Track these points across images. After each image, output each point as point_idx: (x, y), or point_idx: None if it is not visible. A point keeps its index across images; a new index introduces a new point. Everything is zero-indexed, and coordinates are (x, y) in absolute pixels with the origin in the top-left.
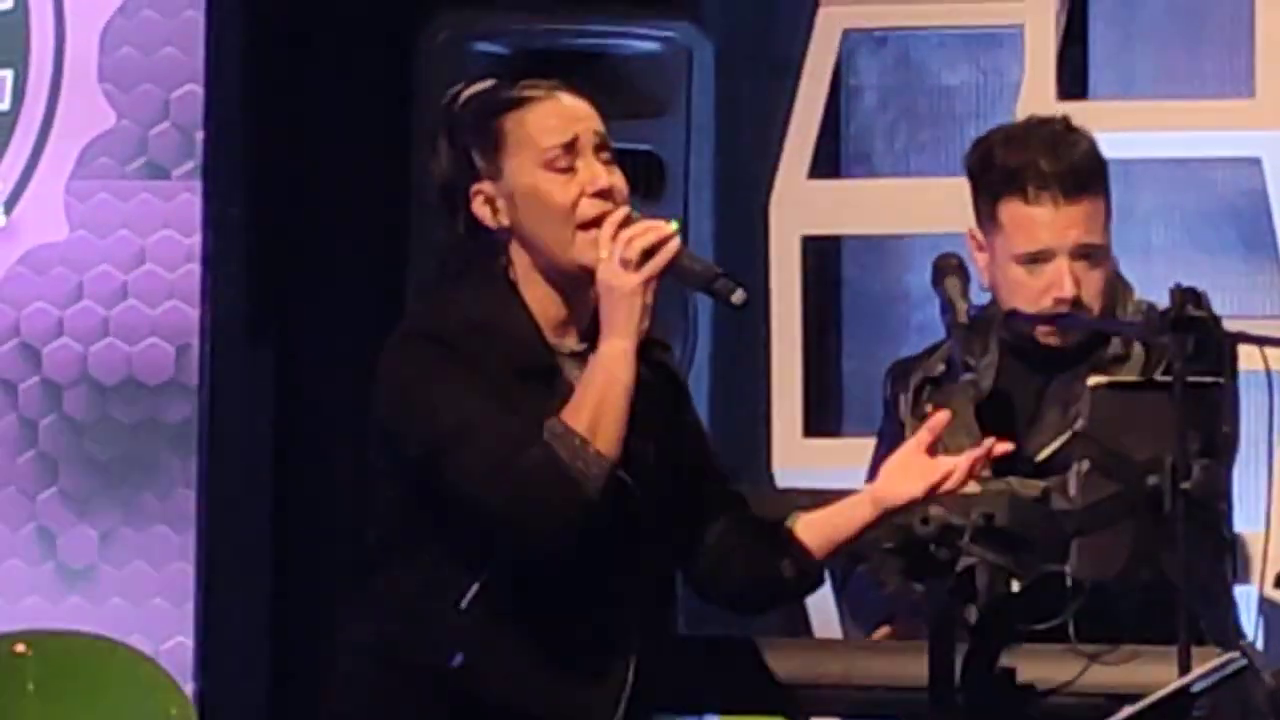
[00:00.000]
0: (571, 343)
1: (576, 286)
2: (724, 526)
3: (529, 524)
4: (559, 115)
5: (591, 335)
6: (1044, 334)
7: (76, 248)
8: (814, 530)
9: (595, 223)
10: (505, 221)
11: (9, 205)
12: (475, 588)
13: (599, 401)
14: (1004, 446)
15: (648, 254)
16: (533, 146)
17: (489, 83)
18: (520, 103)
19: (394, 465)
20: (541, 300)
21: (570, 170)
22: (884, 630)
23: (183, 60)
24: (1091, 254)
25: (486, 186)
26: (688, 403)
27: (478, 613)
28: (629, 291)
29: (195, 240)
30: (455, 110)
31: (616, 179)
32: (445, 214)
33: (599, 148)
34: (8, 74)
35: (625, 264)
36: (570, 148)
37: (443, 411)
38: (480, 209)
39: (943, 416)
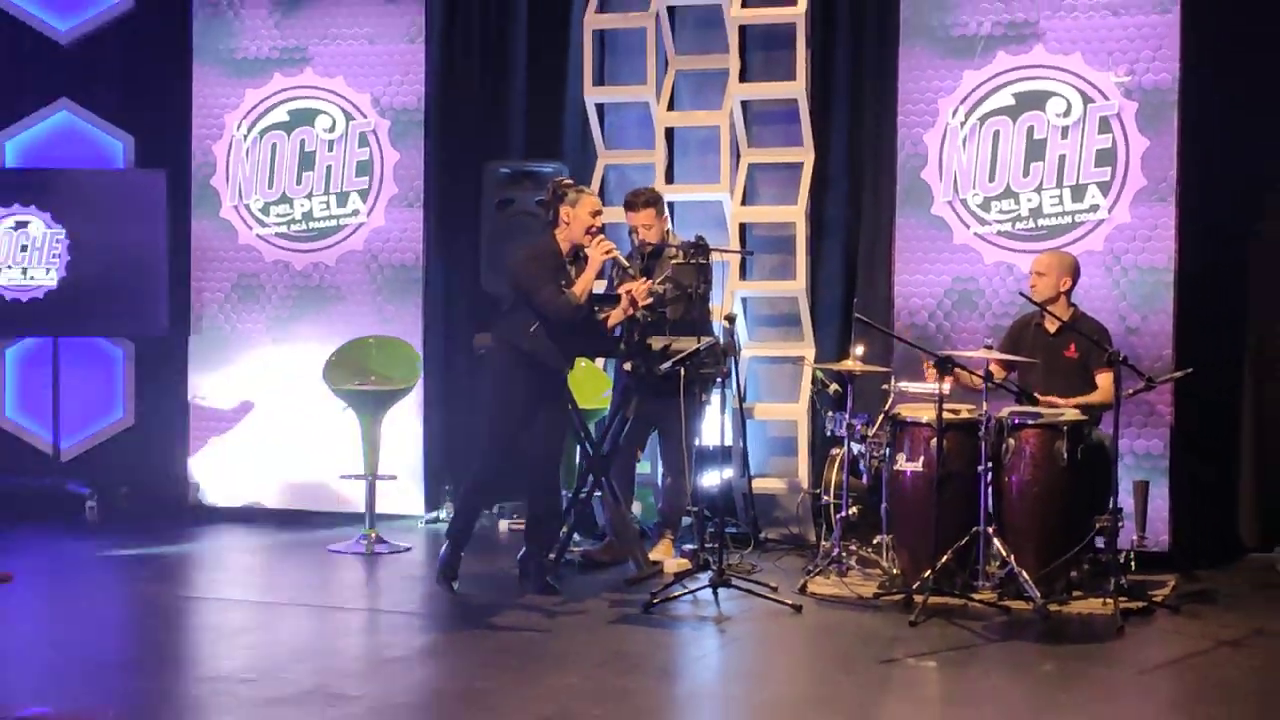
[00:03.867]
0: (569, 259)
1: (576, 245)
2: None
3: (560, 314)
4: (597, 200)
5: (573, 257)
6: (647, 248)
7: (391, 227)
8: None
9: (592, 234)
10: (568, 221)
11: (368, 214)
12: (535, 325)
13: (583, 288)
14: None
15: (607, 251)
16: (590, 205)
17: (568, 178)
18: (585, 190)
19: (515, 290)
20: (564, 245)
21: (597, 215)
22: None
23: (415, 168)
24: (649, 225)
25: (568, 207)
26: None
27: (538, 331)
28: (599, 258)
29: (420, 225)
30: (558, 183)
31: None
32: (544, 211)
33: (602, 213)
34: (366, 177)
35: (600, 251)
36: (598, 211)
37: (534, 278)
38: (564, 212)
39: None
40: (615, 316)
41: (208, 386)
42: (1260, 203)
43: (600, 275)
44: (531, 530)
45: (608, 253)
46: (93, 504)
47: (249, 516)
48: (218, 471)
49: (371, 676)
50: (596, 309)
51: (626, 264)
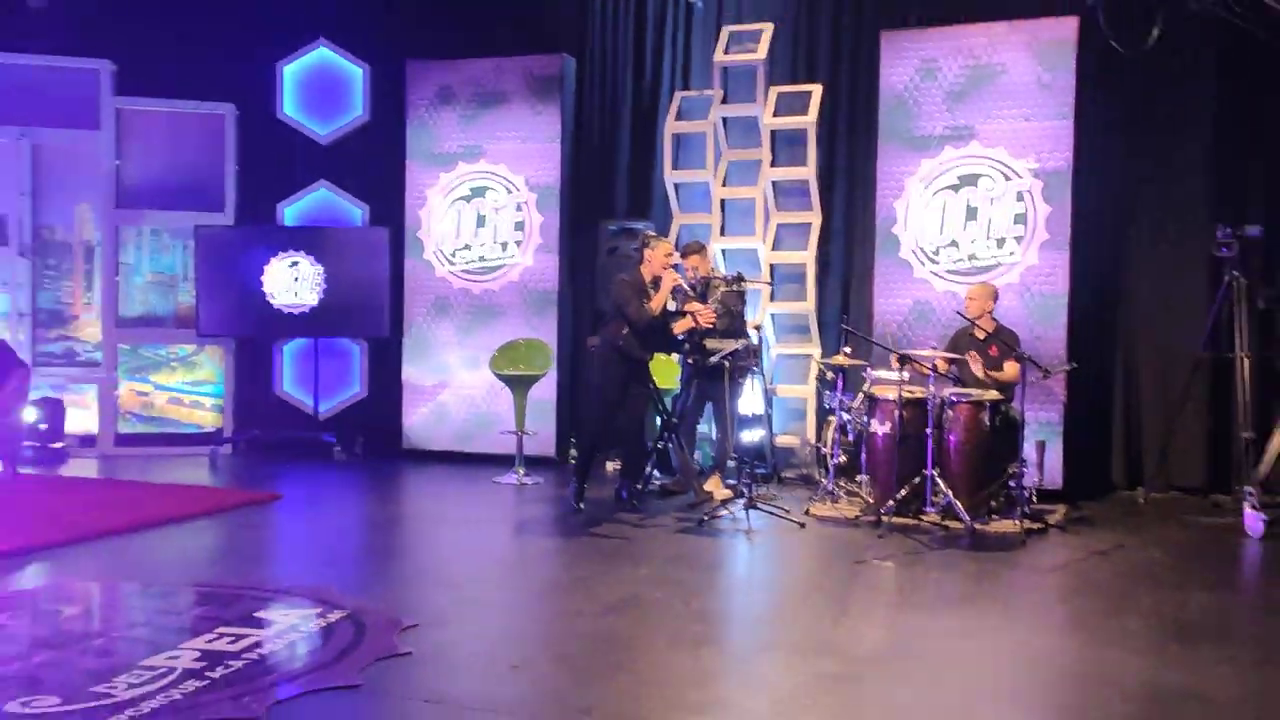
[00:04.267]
0: (649, 285)
1: (655, 276)
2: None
3: (641, 321)
4: (670, 245)
5: (653, 284)
6: (699, 282)
7: (537, 265)
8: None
9: (664, 269)
10: (649, 260)
11: (522, 256)
12: (626, 329)
13: (657, 304)
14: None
15: (674, 280)
16: (664, 249)
17: (653, 232)
18: (662, 239)
19: (612, 304)
20: (647, 275)
21: (668, 257)
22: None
23: (553, 226)
24: (698, 265)
25: (650, 251)
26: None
27: (628, 335)
28: (668, 285)
29: (556, 264)
30: (646, 235)
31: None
32: (637, 252)
33: (673, 255)
34: (521, 232)
35: (670, 280)
36: (670, 254)
37: (625, 297)
38: (647, 254)
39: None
40: (681, 326)
41: (415, 371)
42: (1127, 251)
43: (672, 297)
44: (624, 469)
45: (675, 281)
46: (339, 449)
47: (441, 458)
48: (422, 428)
49: (515, 566)
50: (668, 321)
51: (689, 290)
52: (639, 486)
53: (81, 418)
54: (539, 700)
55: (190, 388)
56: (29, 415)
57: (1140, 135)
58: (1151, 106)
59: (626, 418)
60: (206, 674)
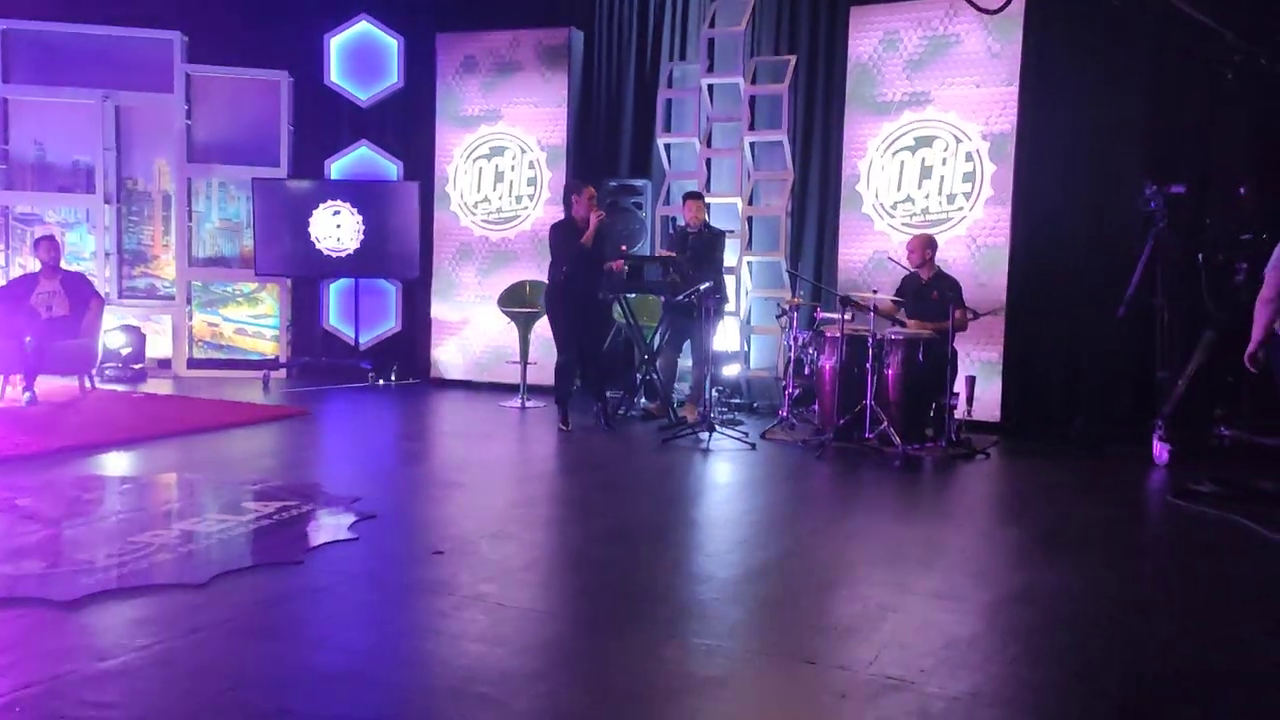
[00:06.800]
0: (581, 225)
1: (584, 216)
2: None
3: (575, 257)
4: (592, 190)
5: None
6: (691, 229)
7: (547, 216)
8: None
9: (591, 209)
10: (576, 202)
11: (534, 208)
12: (566, 267)
13: (589, 237)
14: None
15: (599, 217)
16: (588, 193)
17: (579, 181)
18: (586, 185)
19: (552, 247)
20: (578, 217)
21: (591, 199)
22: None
23: (561, 182)
24: (699, 211)
25: (575, 195)
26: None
27: (570, 269)
28: (595, 223)
29: (562, 212)
30: (575, 183)
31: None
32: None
33: (595, 196)
34: (533, 187)
35: (594, 219)
36: (592, 196)
37: (559, 239)
38: (575, 200)
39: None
40: (617, 265)
41: (441, 309)
42: (1062, 205)
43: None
44: (598, 393)
45: (599, 218)
46: (373, 375)
47: (462, 385)
48: (447, 358)
49: (485, 472)
50: (603, 257)
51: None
52: (618, 411)
53: (160, 344)
54: (443, 581)
55: (253, 320)
56: (114, 340)
57: (1082, 101)
58: (1092, 75)
59: (588, 350)
60: (178, 549)
